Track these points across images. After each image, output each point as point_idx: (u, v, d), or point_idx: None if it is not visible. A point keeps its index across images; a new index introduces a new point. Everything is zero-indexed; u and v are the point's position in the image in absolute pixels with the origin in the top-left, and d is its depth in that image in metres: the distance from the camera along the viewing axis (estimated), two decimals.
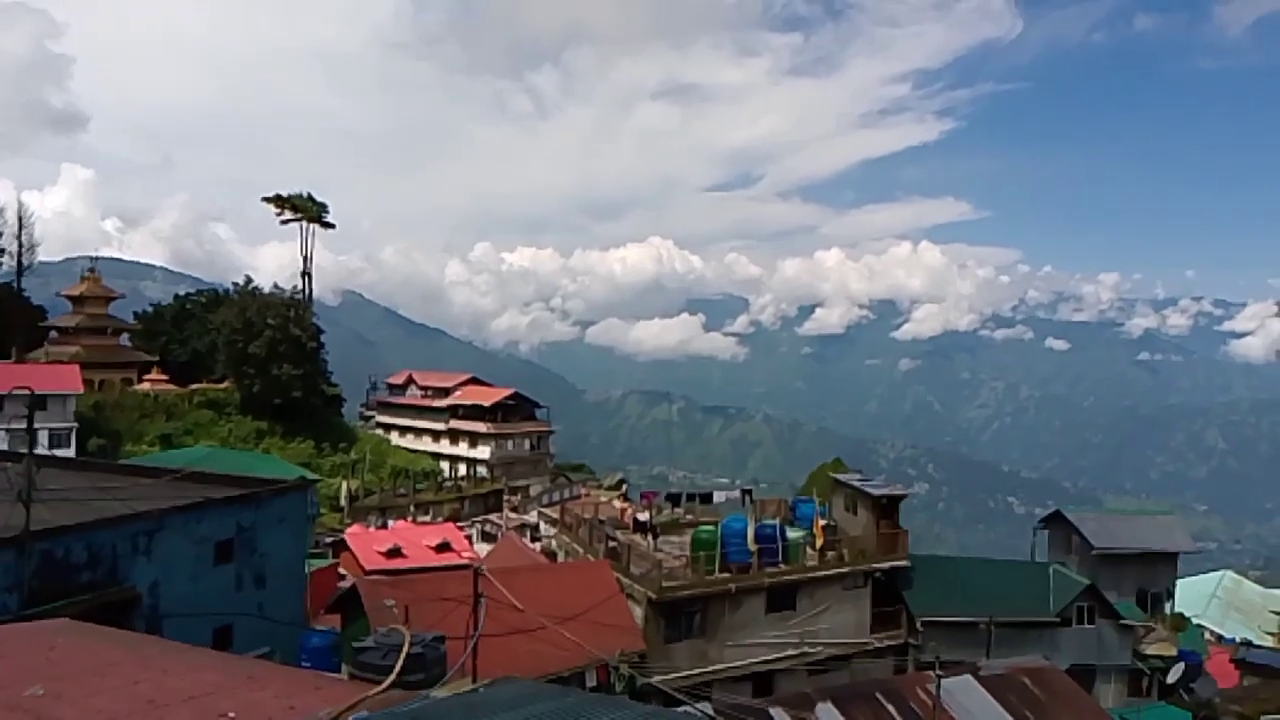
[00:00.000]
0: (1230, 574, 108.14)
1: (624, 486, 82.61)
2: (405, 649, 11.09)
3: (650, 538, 42.87)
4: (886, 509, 42.42)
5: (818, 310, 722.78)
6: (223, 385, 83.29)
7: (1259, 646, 57.28)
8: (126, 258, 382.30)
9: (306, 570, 29.83)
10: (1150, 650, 42.59)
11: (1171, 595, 48.96)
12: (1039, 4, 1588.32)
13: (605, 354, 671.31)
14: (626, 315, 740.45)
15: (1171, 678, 40.25)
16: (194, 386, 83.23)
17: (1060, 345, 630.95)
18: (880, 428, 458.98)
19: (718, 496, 52.15)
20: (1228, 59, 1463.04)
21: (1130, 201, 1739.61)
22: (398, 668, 10.73)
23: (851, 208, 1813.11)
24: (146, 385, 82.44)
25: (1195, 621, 60.66)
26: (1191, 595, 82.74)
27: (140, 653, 11.40)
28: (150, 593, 21.52)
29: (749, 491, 52.45)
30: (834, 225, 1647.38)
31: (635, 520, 45.75)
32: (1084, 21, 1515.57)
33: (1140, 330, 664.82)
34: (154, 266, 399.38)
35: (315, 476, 54.30)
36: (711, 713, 22.47)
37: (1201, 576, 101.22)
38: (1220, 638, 63.83)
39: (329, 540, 52.12)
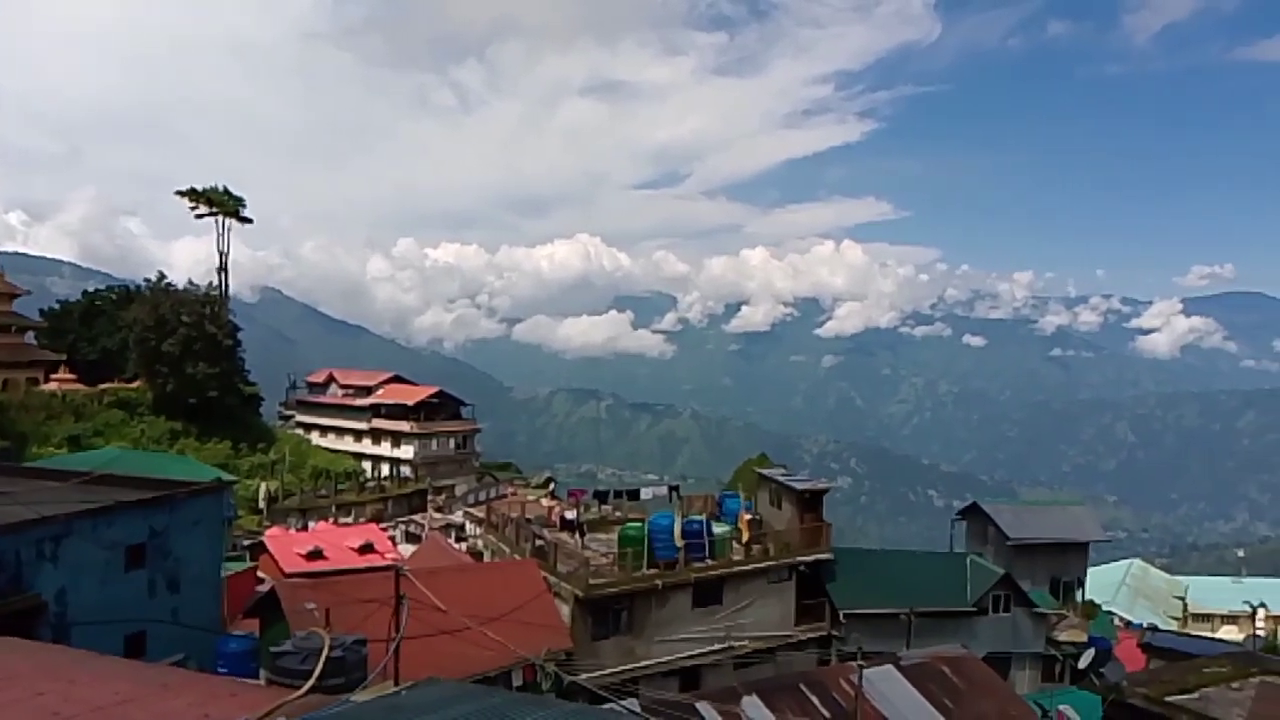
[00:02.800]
0: (1138, 562, 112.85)
1: (551, 485, 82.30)
2: (325, 652, 10.86)
3: (577, 536, 42.79)
4: (810, 503, 43.01)
5: (744, 308, 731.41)
6: (134, 385, 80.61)
7: (1164, 630, 59.68)
8: (32, 253, 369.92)
9: (223, 574, 29.05)
10: (1062, 637, 44.01)
11: (1083, 583, 50.60)
12: (956, 8, 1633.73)
13: (532, 351, 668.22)
14: (554, 312, 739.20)
15: (1082, 663, 41.55)
16: (104, 386, 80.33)
17: (977, 342, 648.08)
18: (805, 423, 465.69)
19: (645, 493, 52.31)
20: (1135, 65, 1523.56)
21: (1043, 202, 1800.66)
22: (317, 671, 10.52)
23: (776, 207, 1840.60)
24: (53, 385, 79.25)
25: (1105, 608, 63.01)
26: (1102, 583, 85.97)
27: (45, 663, 10.97)
28: (57, 600, 20.70)
29: (676, 488, 52.67)
30: (759, 224, 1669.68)
31: (562, 518, 45.64)
32: (1000, 26, 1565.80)
33: (1053, 327, 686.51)
34: (61, 262, 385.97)
35: (232, 478, 52.96)
36: (638, 709, 22.53)
37: (1111, 565, 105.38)
38: (1129, 623, 66.41)
39: (247, 543, 50.85)
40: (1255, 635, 63.91)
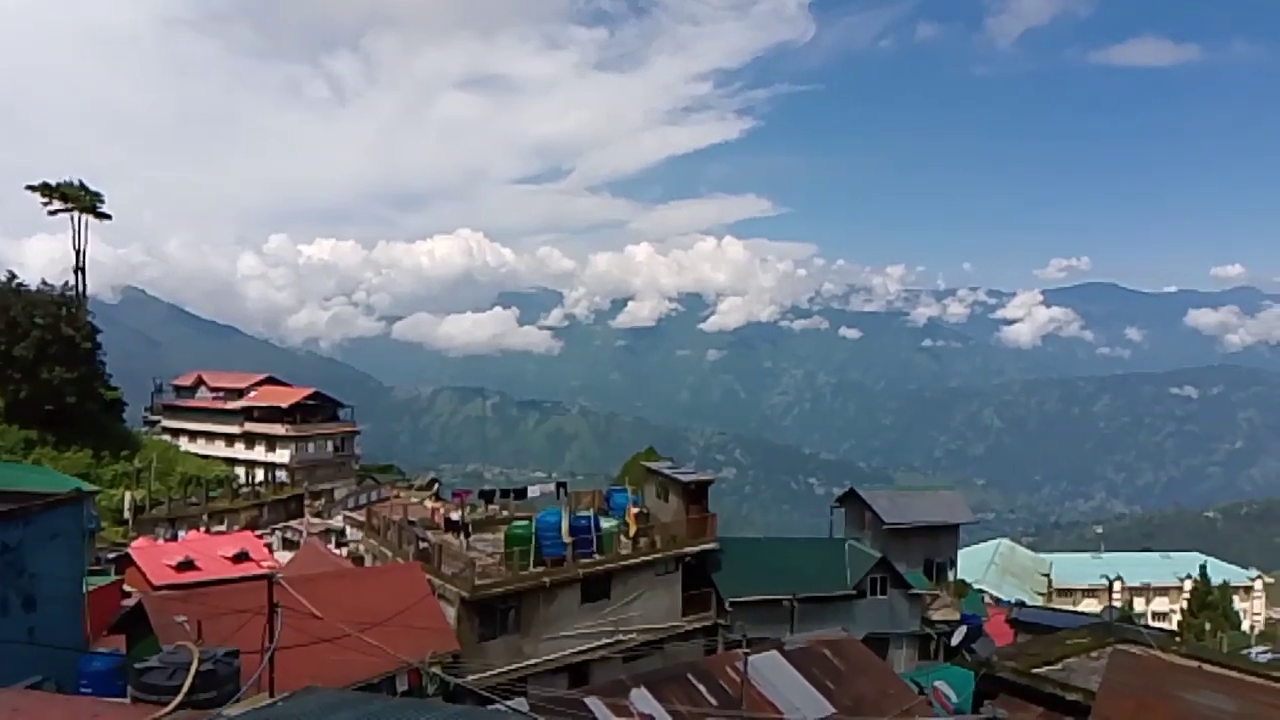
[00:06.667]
0: (1006, 542, 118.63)
1: (436, 486, 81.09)
2: (194, 666, 10.42)
3: (463, 536, 42.30)
4: (696, 494, 43.57)
5: (630, 303, 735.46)
6: None
7: (1030, 606, 62.81)
8: None
9: (86, 589, 27.57)
10: (936, 616, 45.80)
11: (954, 563, 52.65)
12: (830, 9, 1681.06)
13: (414, 350, 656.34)
14: (435, 309, 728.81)
15: (955, 640, 43.46)
16: None
17: (853, 334, 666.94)
18: (691, 416, 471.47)
19: (533, 491, 52.03)
20: (999, 67, 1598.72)
21: (913, 198, 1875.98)
22: (185, 686, 10.08)
23: (659, 203, 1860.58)
24: None
25: (976, 586, 65.83)
26: (972, 563, 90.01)
27: None
28: None
29: (564, 485, 52.50)
30: (643, 220, 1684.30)
31: (447, 520, 45.05)
32: (872, 28, 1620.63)
33: (924, 319, 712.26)
34: None
35: (93, 488, 50.12)
36: (526, 708, 22.39)
37: (981, 545, 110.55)
38: (998, 600, 69.56)
39: (112, 556, 48.45)
40: (1111, 607, 67.90)
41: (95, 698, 16.31)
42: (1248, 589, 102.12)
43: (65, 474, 55.78)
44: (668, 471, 46.34)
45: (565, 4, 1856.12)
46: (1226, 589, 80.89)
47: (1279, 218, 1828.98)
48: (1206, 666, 18.02)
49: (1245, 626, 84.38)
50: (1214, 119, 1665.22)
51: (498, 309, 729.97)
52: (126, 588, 39.12)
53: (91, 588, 30.52)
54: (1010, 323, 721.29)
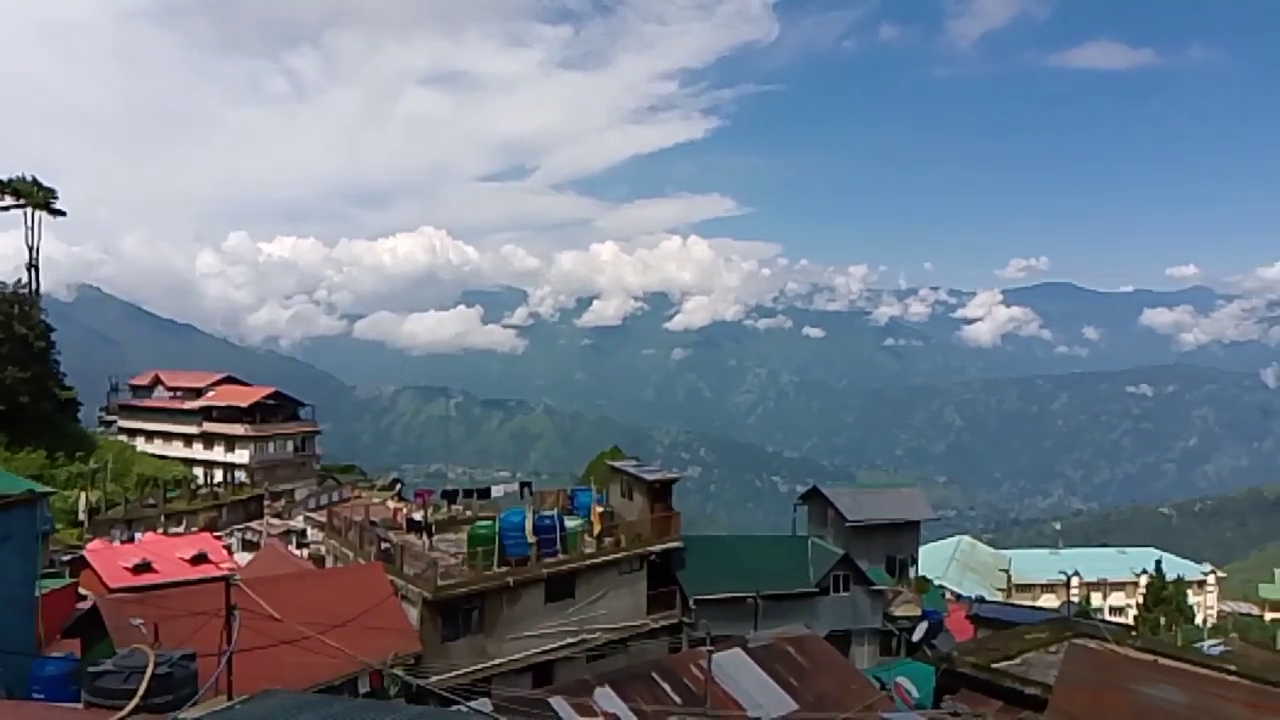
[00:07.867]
0: (966, 538, 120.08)
1: (398, 486, 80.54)
2: (150, 669, 10.26)
3: (426, 537, 42.04)
4: (660, 493, 43.60)
5: (595, 302, 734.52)
6: None
7: (990, 602, 63.69)
8: None
9: (39, 592, 27.03)
10: (898, 612, 46.22)
11: (916, 560, 53.05)
12: (794, 9, 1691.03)
13: (376, 348, 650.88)
14: (398, 308, 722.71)
15: (917, 636, 43.86)
16: None
17: (816, 333, 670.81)
18: (656, 415, 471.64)
19: (496, 491, 51.86)
20: (959, 68, 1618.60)
21: (876, 198, 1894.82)
22: (141, 690, 9.93)
23: (624, 202, 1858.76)
24: None
25: (937, 582, 66.63)
26: (933, 559, 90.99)
27: None
28: None
29: (528, 484, 52.51)
30: (608, 219, 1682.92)
31: (409, 520, 44.76)
32: (835, 28, 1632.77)
33: (886, 318, 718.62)
34: None
35: (48, 489, 49.01)
36: (489, 708, 22.31)
37: (942, 542, 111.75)
38: (958, 596, 70.42)
39: (66, 558, 47.41)
40: (1069, 602, 68.96)
41: (48, 703, 16.02)
42: (1201, 583, 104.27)
43: (18, 475, 54.61)
44: (632, 470, 46.31)
45: (530, 1, 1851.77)
46: (1180, 584, 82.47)
47: (1232, 219, 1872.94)
48: (1161, 660, 18.38)
49: (1199, 620, 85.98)
50: (1169, 122, 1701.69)
51: (461, 307, 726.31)
52: (81, 590, 38.42)
53: (45, 591, 29.96)
54: (971, 322, 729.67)
